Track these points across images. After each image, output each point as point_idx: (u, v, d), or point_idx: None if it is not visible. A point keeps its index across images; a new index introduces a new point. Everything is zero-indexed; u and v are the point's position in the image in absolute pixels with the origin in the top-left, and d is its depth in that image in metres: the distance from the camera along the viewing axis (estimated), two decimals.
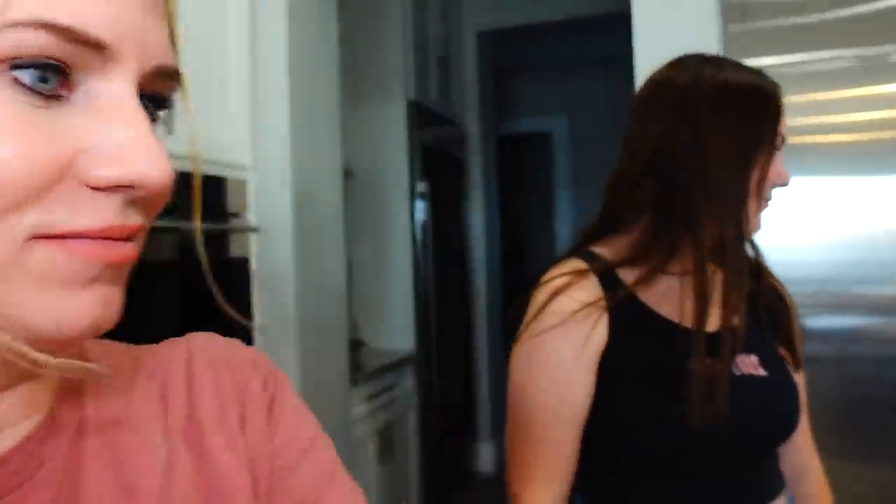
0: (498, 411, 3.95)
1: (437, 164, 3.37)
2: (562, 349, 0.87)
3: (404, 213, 3.15)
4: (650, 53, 1.84)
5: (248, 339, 1.98)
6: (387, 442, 2.79)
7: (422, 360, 3.12)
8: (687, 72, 0.89)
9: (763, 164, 0.87)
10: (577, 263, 0.92)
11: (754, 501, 0.91)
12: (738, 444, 0.88)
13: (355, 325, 3.03)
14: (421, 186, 3.17)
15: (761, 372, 0.90)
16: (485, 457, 3.86)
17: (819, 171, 1.63)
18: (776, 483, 0.94)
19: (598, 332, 0.87)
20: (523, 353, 0.91)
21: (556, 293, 0.88)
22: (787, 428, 0.91)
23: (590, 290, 0.89)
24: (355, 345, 2.81)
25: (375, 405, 2.70)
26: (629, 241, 0.91)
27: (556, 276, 0.90)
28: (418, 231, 3.16)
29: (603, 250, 0.94)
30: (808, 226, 1.65)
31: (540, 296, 0.90)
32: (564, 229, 5.02)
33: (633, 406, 0.87)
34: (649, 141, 0.89)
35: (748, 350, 0.90)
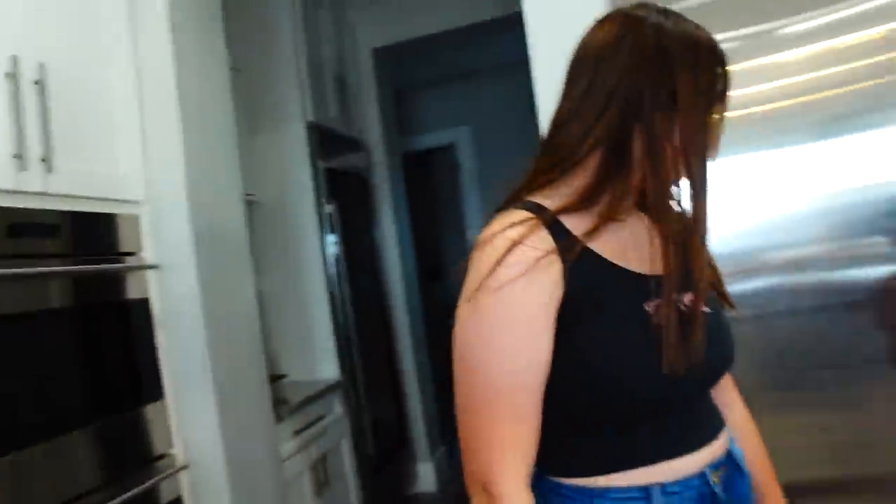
0: (433, 430, 3.89)
1: (343, 186, 3.30)
2: (528, 302, 0.81)
3: (314, 239, 3.06)
4: (545, 52, 1.85)
5: (158, 388, 1.85)
6: (322, 475, 2.68)
7: (348, 386, 3.03)
8: (644, 21, 0.86)
9: (716, 122, 0.88)
10: (522, 213, 0.86)
11: (709, 435, 0.91)
12: (699, 380, 0.90)
13: (275, 359, 2.91)
14: (329, 209, 3.09)
15: (706, 308, 0.89)
16: (425, 477, 3.78)
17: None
18: (720, 415, 0.96)
19: (558, 284, 0.82)
20: (480, 313, 0.81)
21: (516, 242, 0.81)
22: (731, 359, 0.94)
23: (545, 239, 0.83)
24: (276, 379, 2.69)
25: (305, 438, 2.59)
26: (574, 188, 0.87)
27: (508, 227, 0.83)
28: (331, 255, 3.08)
29: (543, 200, 0.89)
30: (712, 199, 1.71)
31: (496, 246, 0.82)
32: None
33: (601, 358, 0.83)
34: (607, 83, 0.85)
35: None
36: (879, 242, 1.82)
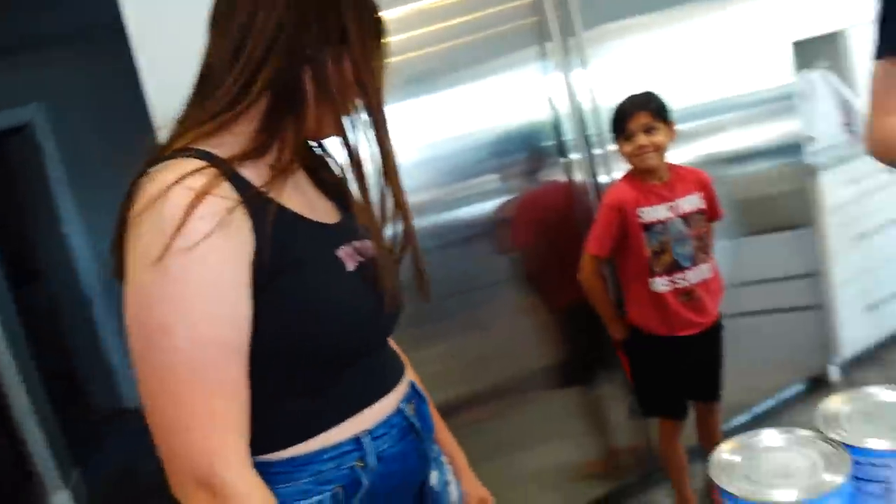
0: (60, 454, 3.39)
1: None
2: (227, 260, 0.73)
3: None
4: (142, 12, 1.67)
5: None
6: None
7: None
8: None
9: (381, 65, 0.86)
10: (195, 161, 0.75)
11: (398, 372, 0.95)
12: (390, 322, 0.93)
13: None
14: None
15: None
16: None
17: None
18: (395, 352, 1.00)
19: (249, 239, 0.75)
20: (171, 279, 0.70)
21: (203, 193, 0.71)
22: (403, 301, 0.95)
23: (229, 189, 0.75)
24: None
25: None
26: (243, 136, 0.81)
27: (185, 176, 0.72)
28: None
29: (212, 149, 0.79)
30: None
31: (176, 199, 0.71)
32: (75, 230, 4.45)
33: (306, 311, 0.79)
34: (271, 21, 0.77)
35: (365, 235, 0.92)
36: (491, 180, 2.09)
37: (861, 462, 0.60)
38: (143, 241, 0.72)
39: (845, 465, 0.58)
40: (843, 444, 0.60)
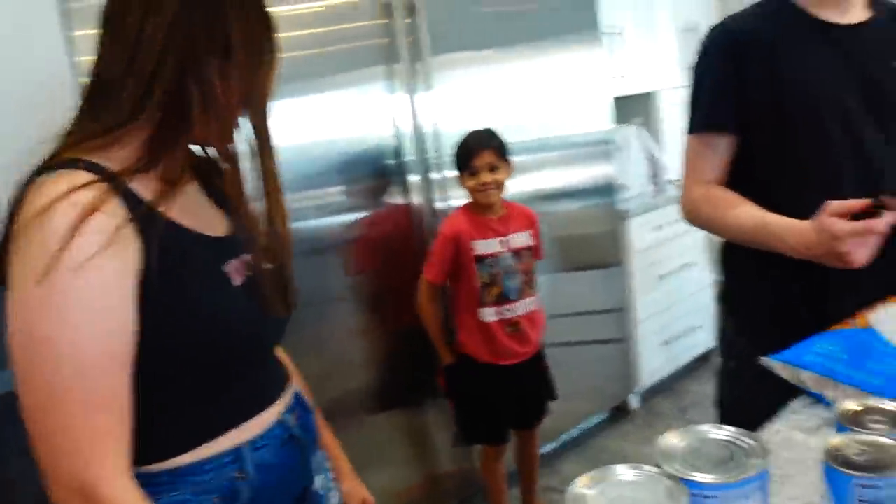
0: None
1: None
2: (115, 279, 0.74)
3: None
4: None
5: None
6: None
7: None
8: None
9: (270, 74, 0.85)
10: (84, 175, 0.75)
11: (282, 383, 0.96)
12: (274, 333, 0.94)
13: None
14: None
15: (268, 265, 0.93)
16: None
17: None
18: (281, 363, 1.01)
19: (138, 255, 0.76)
20: (59, 297, 0.71)
21: (91, 209, 0.72)
22: (291, 311, 0.97)
23: (118, 204, 0.75)
24: None
25: None
26: (132, 148, 0.79)
27: (72, 191, 0.72)
28: None
29: (101, 161, 0.78)
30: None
31: (62, 215, 0.71)
32: None
33: (191, 325, 0.80)
34: (159, 33, 0.76)
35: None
36: (332, 193, 2.05)
37: (694, 494, 0.65)
38: (28, 254, 0.72)
39: (684, 498, 0.62)
40: (680, 478, 0.65)
